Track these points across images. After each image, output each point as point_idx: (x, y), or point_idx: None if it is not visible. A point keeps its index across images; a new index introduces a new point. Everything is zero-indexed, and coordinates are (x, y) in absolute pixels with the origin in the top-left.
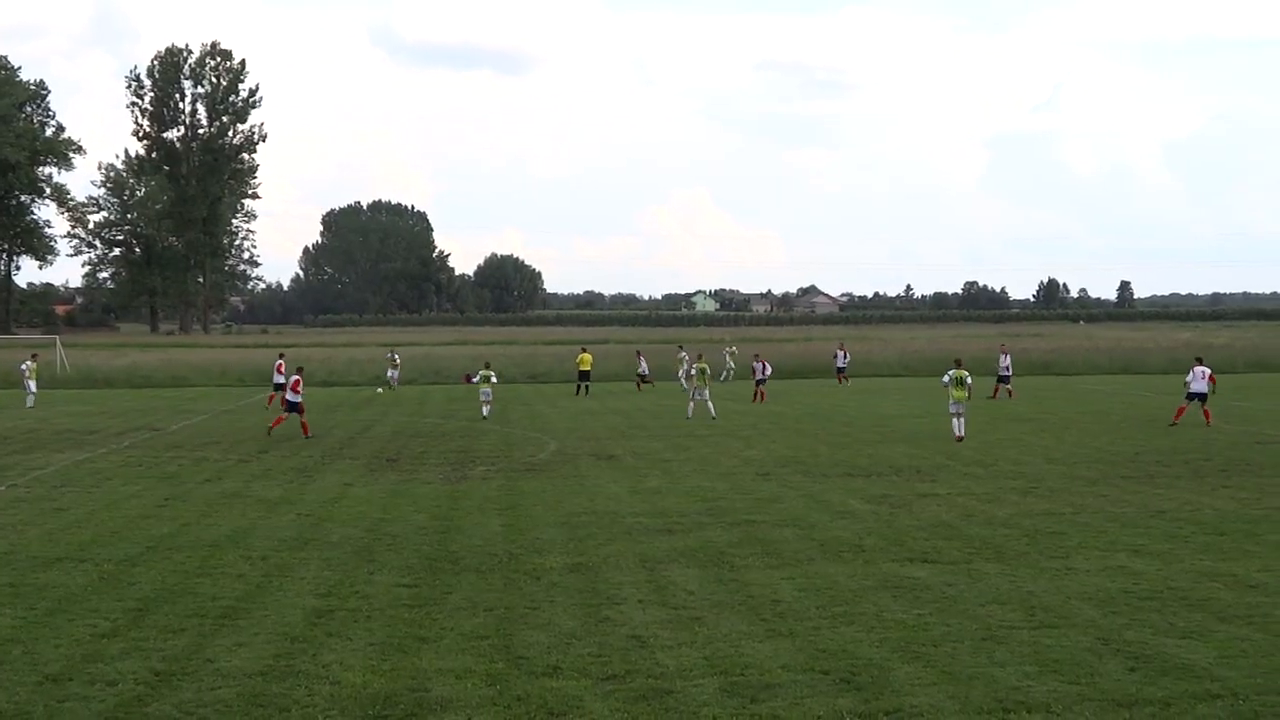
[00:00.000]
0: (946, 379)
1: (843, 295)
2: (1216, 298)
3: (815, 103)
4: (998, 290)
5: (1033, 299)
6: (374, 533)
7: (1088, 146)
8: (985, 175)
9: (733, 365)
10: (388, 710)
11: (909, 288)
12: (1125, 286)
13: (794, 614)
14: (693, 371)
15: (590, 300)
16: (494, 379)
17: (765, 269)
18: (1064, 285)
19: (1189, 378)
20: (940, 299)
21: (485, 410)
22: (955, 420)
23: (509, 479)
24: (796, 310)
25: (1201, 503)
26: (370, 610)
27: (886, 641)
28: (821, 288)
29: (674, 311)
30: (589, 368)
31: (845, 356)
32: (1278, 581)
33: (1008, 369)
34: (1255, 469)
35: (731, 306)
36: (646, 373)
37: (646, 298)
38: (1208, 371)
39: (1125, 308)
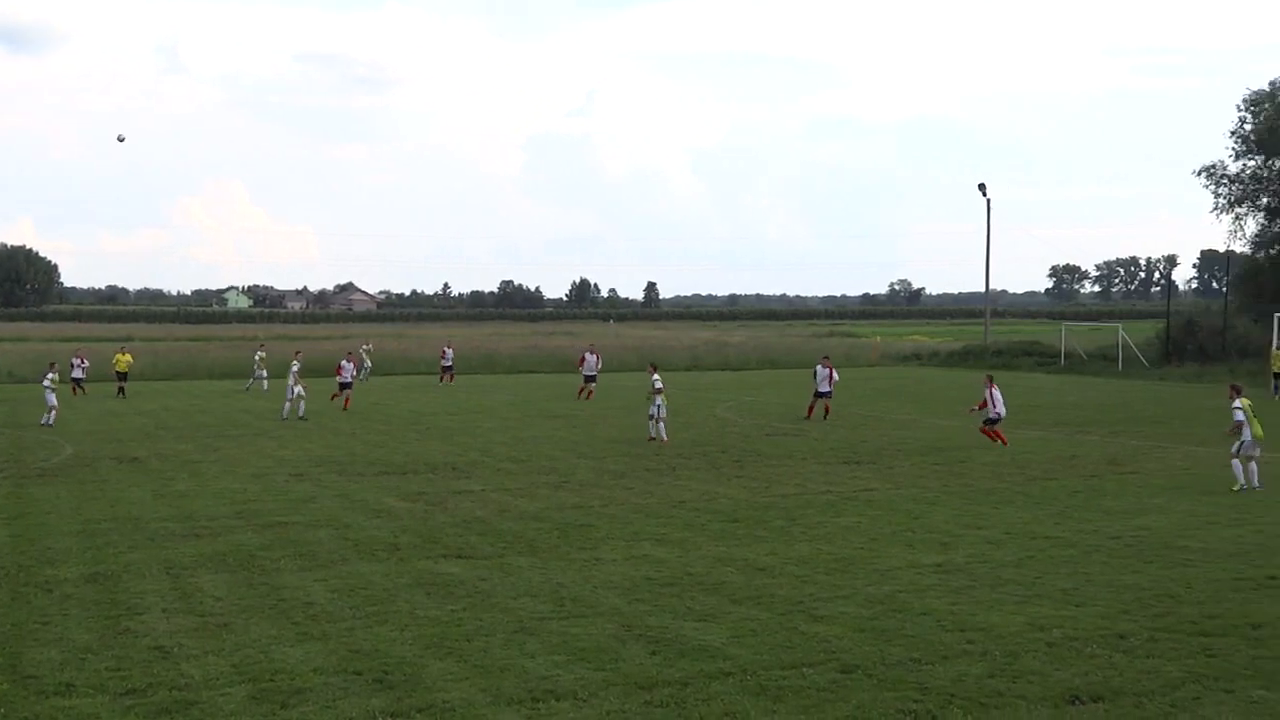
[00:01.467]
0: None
1: (381, 293)
2: (734, 299)
3: (356, 98)
4: (533, 289)
5: (566, 298)
6: None
7: (619, 151)
8: (522, 176)
9: (369, 364)
10: None
11: (446, 286)
12: (652, 287)
13: (327, 616)
14: (295, 368)
15: (114, 295)
16: (57, 379)
17: (302, 265)
18: (595, 285)
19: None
20: (477, 297)
21: (49, 418)
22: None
23: (18, 485)
24: (334, 308)
25: (718, 492)
26: None
27: (420, 639)
28: (359, 285)
29: (204, 308)
30: (126, 369)
31: (450, 355)
32: (782, 564)
33: (595, 369)
34: (765, 459)
35: (265, 303)
36: (81, 376)
37: (175, 293)
38: None
39: (652, 307)
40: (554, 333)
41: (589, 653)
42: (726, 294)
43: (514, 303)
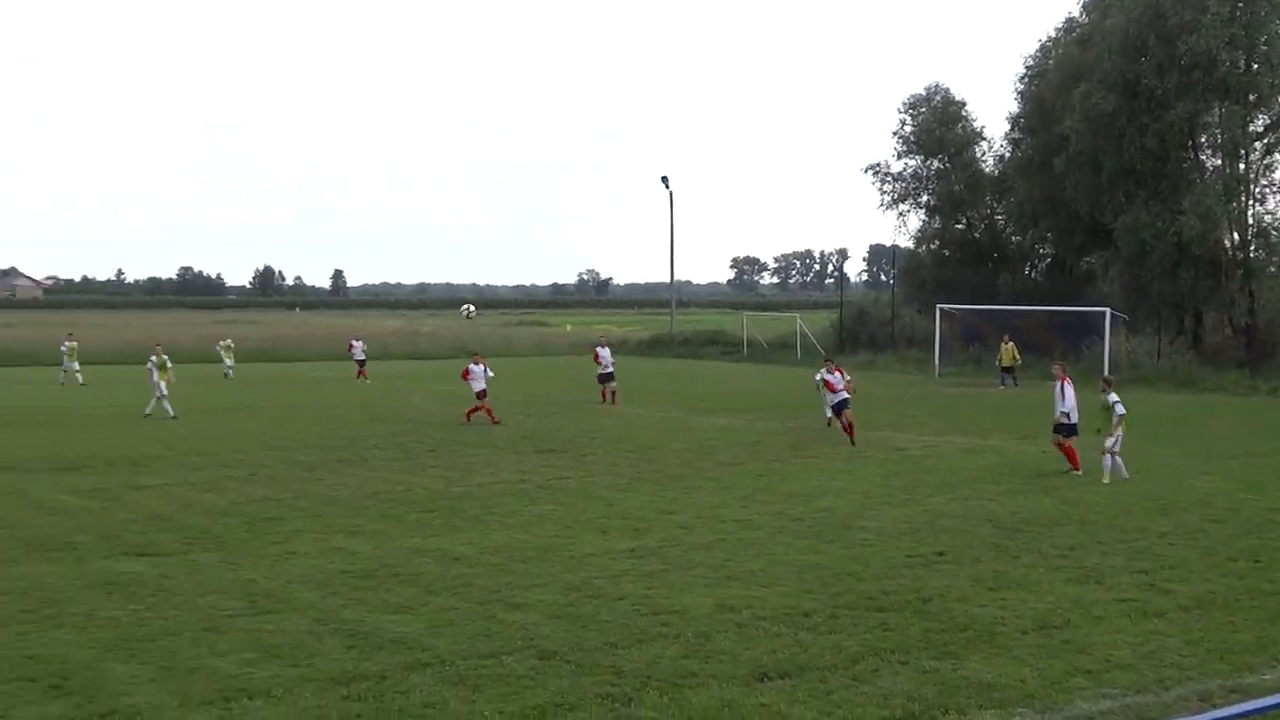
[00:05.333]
0: None
1: (48, 278)
2: (423, 287)
3: None
4: (214, 276)
5: (250, 286)
6: None
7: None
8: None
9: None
10: None
11: (120, 272)
12: (339, 275)
13: None
14: None
15: None
16: None
17: None
18: (280, 273)
19: None
20: (155, 284)
21: None
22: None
23: None
24: None
25: (413, 483)
26: None
27: (100, 641)
28: (23, 269)
29: None
30: None
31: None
32: (479, 553)
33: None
34: (460, 448)
35: None
36: None
37: None
38: None
39: (339, 296)
40: (237, 321)
41: (283, 649)
42: (416, 282)
43: (194, 290)
